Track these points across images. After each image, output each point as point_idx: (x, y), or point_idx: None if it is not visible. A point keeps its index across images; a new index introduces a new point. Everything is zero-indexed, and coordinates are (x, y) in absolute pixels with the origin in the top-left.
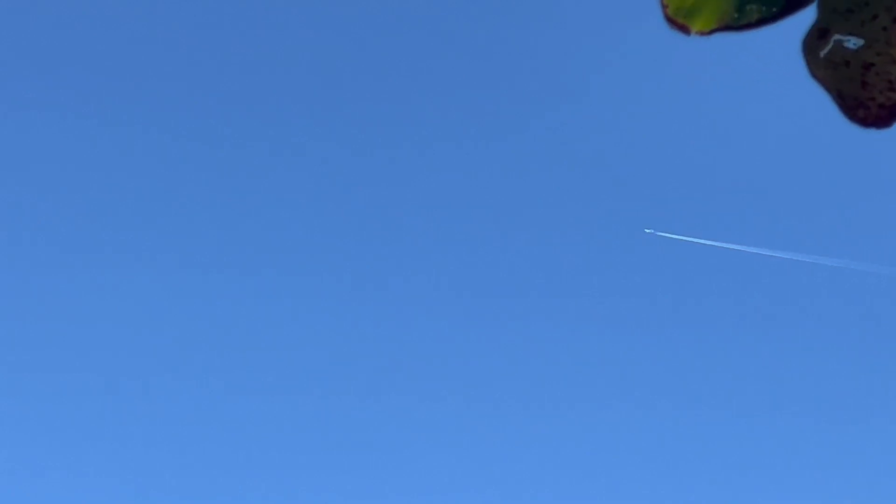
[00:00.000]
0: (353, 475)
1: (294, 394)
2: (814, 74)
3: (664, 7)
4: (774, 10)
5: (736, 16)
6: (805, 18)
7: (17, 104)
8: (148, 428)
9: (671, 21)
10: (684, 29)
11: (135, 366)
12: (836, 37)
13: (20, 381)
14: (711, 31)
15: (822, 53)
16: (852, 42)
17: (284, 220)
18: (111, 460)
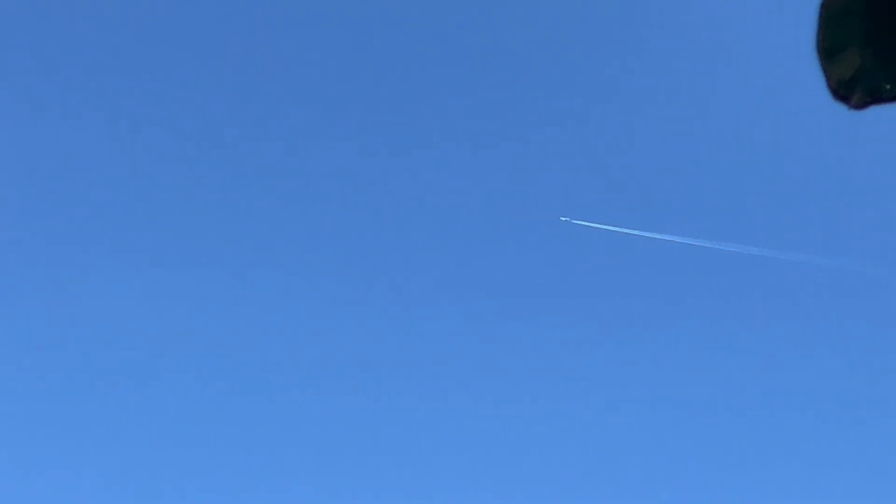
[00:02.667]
0: (351, 475)
1: (293, 393)
2: None
3: (827, 78)
4: None
5: (888, 87)
6: None
7: (16, 103)
8: (147, 428)
9: (835, 93)
10: (847, 100)
11: (134, 366)
12: None
13: (19, 381)
14: (865, 105)
15: None
16: None
17: (284, 221)
18: (110, 460)
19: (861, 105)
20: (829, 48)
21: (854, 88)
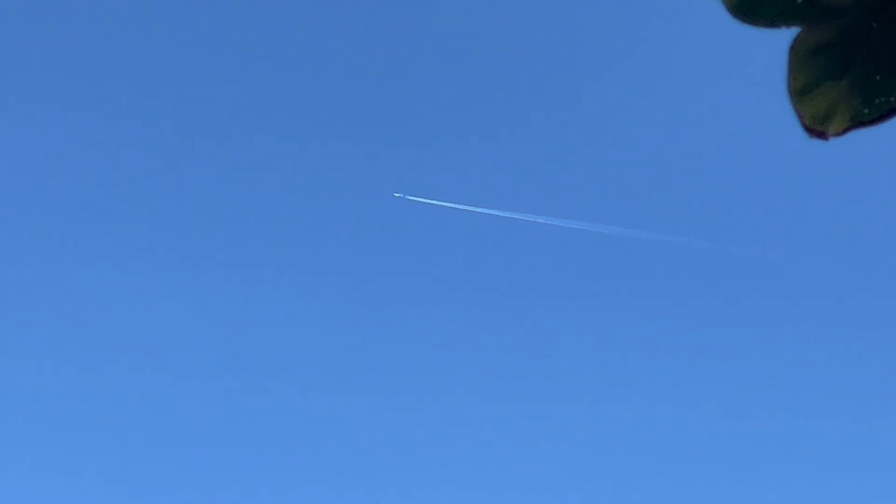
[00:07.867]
0: (350, 477)
1: (293, 394)
2: None
3: (801, 118)
4: None
5: (866, 111)
6: None
7: (14, 102)
8: (147, 428)
9: (809, 130)
10: (822, 135)
11: (133, 366)
12: None
13: (18, 382)
14: (846, 131)
15: None
16: None
17: (283, 217)
18: (109, 460)
19: (840, 132)
20: (802, 88)
21: (829, 121)
